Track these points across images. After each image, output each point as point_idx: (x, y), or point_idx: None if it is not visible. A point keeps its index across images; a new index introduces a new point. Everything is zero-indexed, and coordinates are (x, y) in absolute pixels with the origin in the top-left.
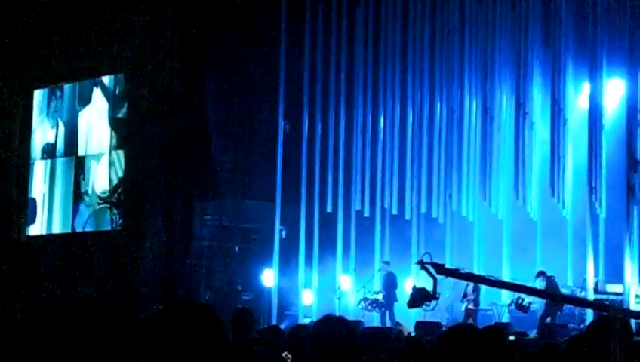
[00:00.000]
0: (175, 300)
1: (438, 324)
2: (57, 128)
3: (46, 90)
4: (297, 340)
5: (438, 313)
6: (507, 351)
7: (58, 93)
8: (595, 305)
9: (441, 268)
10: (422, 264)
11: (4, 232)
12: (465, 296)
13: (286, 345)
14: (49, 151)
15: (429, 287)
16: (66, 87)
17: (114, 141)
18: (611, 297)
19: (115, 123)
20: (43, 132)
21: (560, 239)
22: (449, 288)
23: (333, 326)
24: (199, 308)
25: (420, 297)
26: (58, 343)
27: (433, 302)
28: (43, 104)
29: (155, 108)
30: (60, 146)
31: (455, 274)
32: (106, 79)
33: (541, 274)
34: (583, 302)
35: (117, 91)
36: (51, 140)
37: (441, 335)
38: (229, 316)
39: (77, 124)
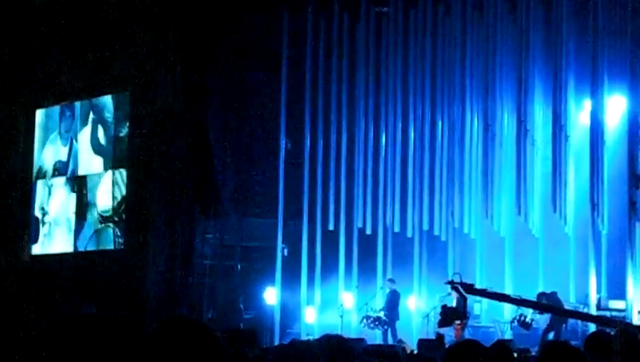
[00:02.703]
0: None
1: (440, 340)
2: (70, 146)
3: (57, 107)
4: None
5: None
6: None
7: (68, 113)
8: (613, 322)
9: (470, 288)
10: (452, 284)
11: (7, 251)
12: None
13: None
14: (60, 169)
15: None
16: (75, 105)
17: (116, 160)
18: (614, 313)
19: (108, 144)
20: (55, 150)
21: (562, 255)
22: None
23: (332, 345)
24: (196, 324)
25: (451, 316)
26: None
27: (464, 321)
28: (53, 122)
29: (156, 127)
30: (70, 164)
31: (483, 293)
32: (107, 98)
33: (542, 295)
34: (601, 320)
35: (118, 110)
36: (64, 158)
37: (447, 351)
38: (230, 334)
39: (78, 143)
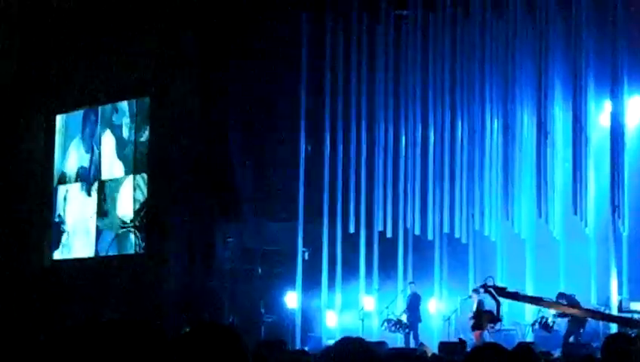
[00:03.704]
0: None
1: (462, 344)
2: (92, 152)
3: (77, 113)
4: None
5: (462, 333)
6: None
7: (92, 118)
8: None
9: (502, 291)
10: (485, 288)
11: (28, 257)
12: (472, 314)
13: None
14: (83, 175)
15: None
16: (96, 109)
17: (137, 164)
18: (635, 315)
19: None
20: (78, 156)
21: (583, 257)
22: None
23: (351, 348)
24: (224, 329)
25: (485, 320)
26: None
27: (498, 324)
28: (74, 128)
29: (176, 132)
30: (92, 170)
31: (515, 296)
32: (127, 103)
33: (561, 295)
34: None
35: (138, 115)
36: (86, 164)
37: (470, 354)
38: (252, 338)
39: (100, 148)
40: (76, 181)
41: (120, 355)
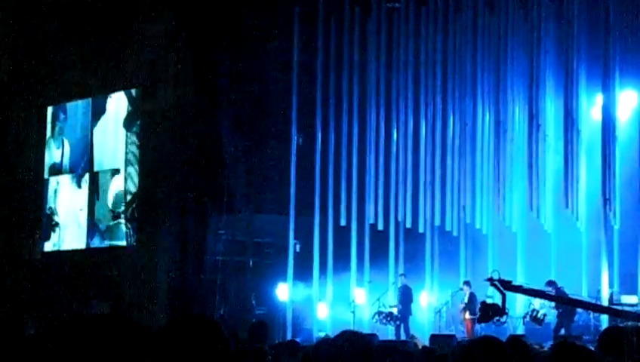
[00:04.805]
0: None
1: (452, 337)
2: (63, 148)
3: (68, 105)
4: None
5: (453, 325)
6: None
7: (62, 116)
8: None
9: (508, 285)
10: (491, 281)
11: (18, 249)
12: (463, 305)
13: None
14: (73, 166)
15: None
16: (70, 105)
17: (128, 156)
18: (626, 308)
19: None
20: (67, 147)
21: (574, 250)
22: (461, 301)
23: (348, 341)
24: (203, 321)
25: (491, 312)
26: (68, 359)
27: (503, 317)
28: (65, 119)
29: (168, 124)
30: (66, 165)
31: (520, 289)
32: (119, 95)
33: (551, 283)
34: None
35: (129, 107)
36: (57, 160)
37: (463, 347)
38: (243, 330)
39: (91, 140)
40: (66, 173)
41: (102, 350)
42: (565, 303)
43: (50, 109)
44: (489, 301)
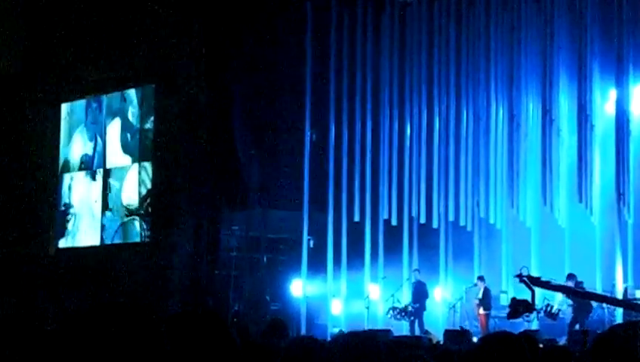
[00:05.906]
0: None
1: (467, 333)
2: (95, 141)
3: (82, 101)
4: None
5: (467, 320)
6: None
7: (94, 106)
8: None
9: (537, 281)
10: (520, 277)
11: (34, 245)
12: (477, 300)
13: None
14: (87, 163)
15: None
16: (87, 101)
17: (142, 153)
18: None
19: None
20: (81, 144)
21: (588, 245)
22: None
23: (353, 342)
24: (209, 316)
25: (521, 309)
26: (85, 349)
27: (533, 314)
28: (79, 116)
29: (182, 120)
30: (96, 158)
31: (548, 286)
32: (132, 91)
33: (572, 277)
34: None
35: (143, 103)
36: (90, 152)
37: (483, 341)
38: (258, 326)
39: (104, 136)
40: (80, 169)
41: (117, 340)
42: (593, 299)
43: (65, 105)
44: (501, 296)
